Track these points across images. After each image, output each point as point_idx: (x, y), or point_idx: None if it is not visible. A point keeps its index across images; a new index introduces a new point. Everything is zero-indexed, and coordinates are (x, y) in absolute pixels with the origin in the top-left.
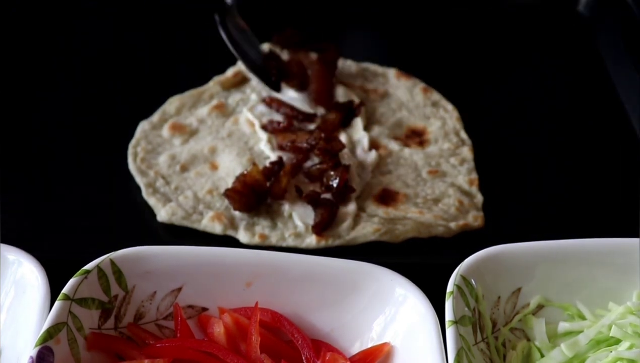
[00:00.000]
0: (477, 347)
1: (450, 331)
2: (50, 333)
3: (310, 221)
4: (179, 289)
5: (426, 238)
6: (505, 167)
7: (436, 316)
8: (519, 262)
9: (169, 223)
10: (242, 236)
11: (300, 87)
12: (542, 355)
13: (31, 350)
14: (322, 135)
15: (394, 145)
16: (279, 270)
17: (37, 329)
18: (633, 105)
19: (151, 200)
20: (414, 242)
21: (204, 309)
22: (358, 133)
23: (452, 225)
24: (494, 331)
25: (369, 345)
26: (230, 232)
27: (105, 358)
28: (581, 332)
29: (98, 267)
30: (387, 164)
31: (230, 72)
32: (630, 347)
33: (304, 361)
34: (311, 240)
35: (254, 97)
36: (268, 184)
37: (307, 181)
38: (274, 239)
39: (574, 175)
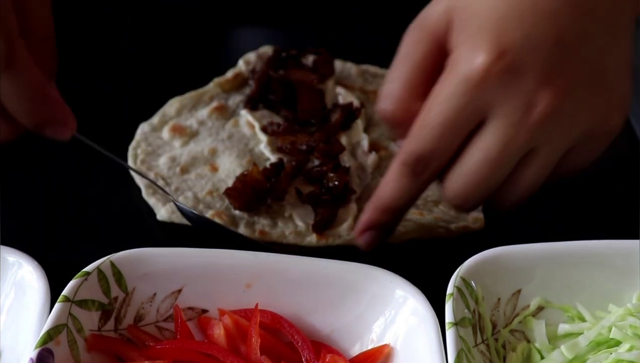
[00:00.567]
0: (477, 349)
1: (450, 333)
2: (50, 335)
3: (311, 221)
4: (179, 291)
5: (426, 240)
6: None
7: (436, 317)
8: (519, 263)
9: (169, 221)
10: (242, 232)
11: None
12: (542, 357)
13: (31, 352)
14: (322, 137)
15: (394, 147)
16: (279, 271)
17: (37, 331)
18: (633, 105)
19: (151, 200)
20: (414, 243)
21: (204, 311)
22: (358, 135)
23: (453, 226)
24: (494, 333)
25: (369, 347)
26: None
27: (106, 360)
28: (581, 333)
29: (98, 269)
30: (387, 165)
31: (230, 73)
32: (630, 349)
33: (304, 362)
34: (312, 239)
35: None
36: (268, 185)
37: (307, 183)
38: (274, 236)
39: (573, 176)
